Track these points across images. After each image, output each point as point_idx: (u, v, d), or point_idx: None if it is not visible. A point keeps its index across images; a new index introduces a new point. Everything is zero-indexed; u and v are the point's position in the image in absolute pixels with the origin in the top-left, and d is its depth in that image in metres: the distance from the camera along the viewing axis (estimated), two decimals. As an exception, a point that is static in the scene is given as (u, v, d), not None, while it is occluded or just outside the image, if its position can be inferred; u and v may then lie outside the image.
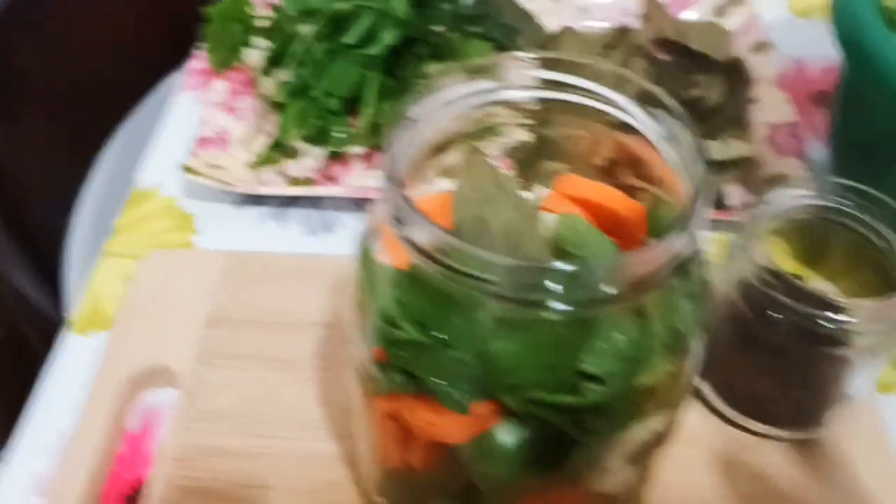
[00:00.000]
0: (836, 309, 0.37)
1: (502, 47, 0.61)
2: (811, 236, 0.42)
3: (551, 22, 0.64)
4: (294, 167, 0.58)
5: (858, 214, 0.40)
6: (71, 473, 0.41)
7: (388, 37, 0.58)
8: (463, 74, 0.33)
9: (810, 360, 0.40)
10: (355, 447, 0.39)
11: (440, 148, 0.34)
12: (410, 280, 0.30)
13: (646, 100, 0.32)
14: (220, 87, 0.61)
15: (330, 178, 0.58)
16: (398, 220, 0.28)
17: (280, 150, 0.58)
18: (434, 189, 0.34)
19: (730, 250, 0.41)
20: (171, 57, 0.72)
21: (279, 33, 0.62)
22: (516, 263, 0.26)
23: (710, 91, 0.57)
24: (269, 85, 0.60)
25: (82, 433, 0.43)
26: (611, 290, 0.26)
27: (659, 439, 0.32)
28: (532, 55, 0.33)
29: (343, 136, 0.58)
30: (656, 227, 0.33)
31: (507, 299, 0.27)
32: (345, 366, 0.38)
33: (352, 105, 0.59)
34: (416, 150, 0.32)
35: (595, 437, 0.29)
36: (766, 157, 0.55)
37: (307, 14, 0.61)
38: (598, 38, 0.62)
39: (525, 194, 0.35)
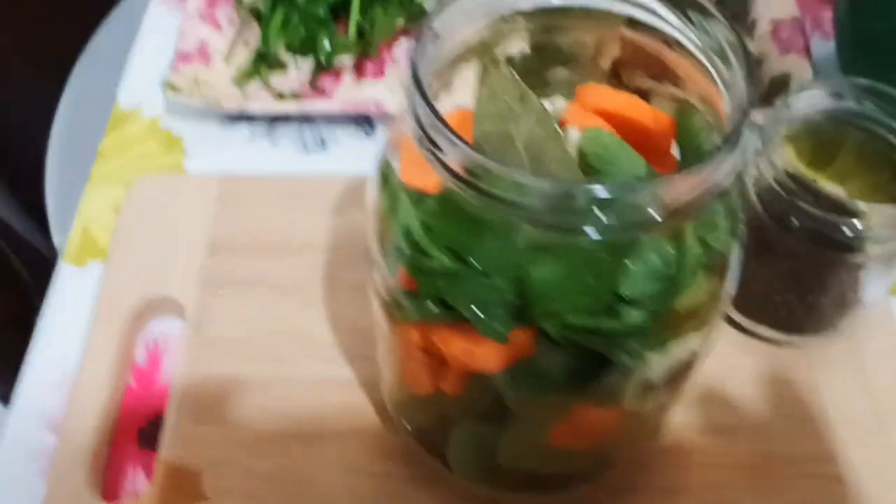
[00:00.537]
0: (854, 214, 0.37)
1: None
2: (821, 139, 0.41)
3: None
4: (281, 81, 0.55)
5: (880, 117, 0.39)
6: (82, 409, 0.40)
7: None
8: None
9: (826, 264, 0.39)
10: (378, 372, 0.38)
11: (454, 62, 0.32)
12: (441, 204, 0.28)
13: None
14: (197, -6, 0.58)
15: (320, 91, 0.55)
16: (430, 141, 0.26)
17: (264, 61, 0.55)
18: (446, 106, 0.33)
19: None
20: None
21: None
22: (560, 188, 0.25)
23: (712, -14, 0.55)
24: (250, -9, 0.57)
25: (90, 368, 0.42)
26: (654, 216, 0.25)
27: (695, 358, 0.31)
28: None
29: (330, 45, 0.55)
30: (686, 138, 0.32)
31: (546, 225, 0.26)
32: (361, 291, 0.37)
33: (337, 13, 0.56)
34: (438, 64, 0.30)
35: (634, 359, 0.29)
36: (770, 54, 0.54)
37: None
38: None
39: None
